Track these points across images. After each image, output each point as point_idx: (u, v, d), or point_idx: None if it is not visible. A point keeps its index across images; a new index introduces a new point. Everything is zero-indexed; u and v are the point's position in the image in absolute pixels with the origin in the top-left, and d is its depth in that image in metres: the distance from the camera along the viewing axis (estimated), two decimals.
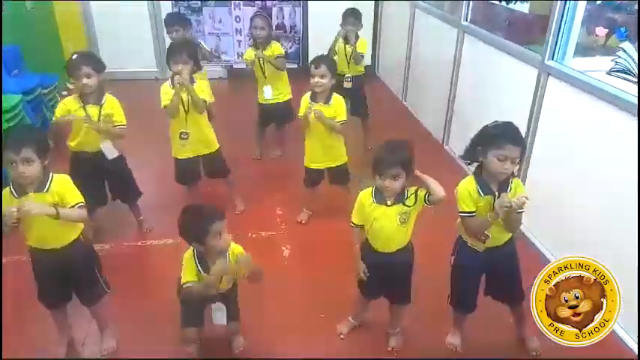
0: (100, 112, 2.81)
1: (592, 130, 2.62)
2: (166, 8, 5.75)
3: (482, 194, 2.03)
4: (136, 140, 3.50)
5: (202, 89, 3.11)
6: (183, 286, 2.04)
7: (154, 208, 3.44)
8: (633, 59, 2.47)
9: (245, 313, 2.39)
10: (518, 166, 2.04)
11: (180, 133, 3.13)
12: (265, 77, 3.88)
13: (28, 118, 3.82)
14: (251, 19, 3.94)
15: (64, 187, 2.08)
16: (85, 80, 2.71)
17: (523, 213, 2.02)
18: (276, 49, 3.87)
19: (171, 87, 3.02)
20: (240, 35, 5.94)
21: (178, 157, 3.25)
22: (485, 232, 2.08)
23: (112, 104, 2.86)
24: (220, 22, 5.97)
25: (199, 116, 3.13)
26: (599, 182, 2.55)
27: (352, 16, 4.04)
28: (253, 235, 3.21)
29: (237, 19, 5.94)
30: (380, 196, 2.12)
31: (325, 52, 3.78)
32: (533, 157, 3.11)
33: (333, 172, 3.29)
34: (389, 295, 2.36)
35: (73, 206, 2.08)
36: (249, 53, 3.88)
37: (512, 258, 2.20)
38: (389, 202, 2.11)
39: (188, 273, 2.05)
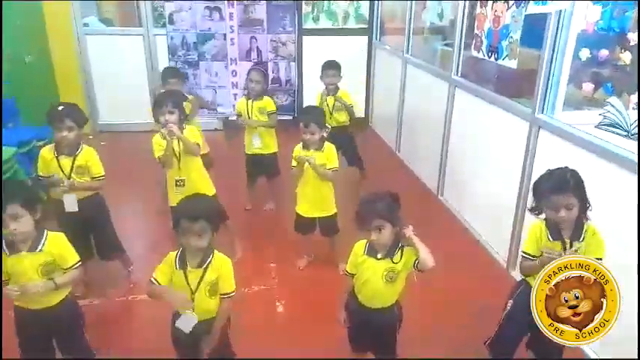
0: (72, 163, 2.76)
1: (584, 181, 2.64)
2: (164, 62, 5.89)
3: (550, 239, 2.00)
4: (129, 191, 3.51)
5: (193, 133, 3.12)
6: (150, 279, 2.03)
7: (147, 259, 3.38)
8: (621, 113, 2.52)
9: None
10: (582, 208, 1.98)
11: (176, 181, 3.12)
12: (255, 128, 3.93)
13: (23, 171, 3.82)
14: (248, 72, 4.03)
15: (60, 247, 2.04)
16: (65, 133, 2.68)
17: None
18: (268, 104, 3.92)
19: (162, 139, 3.00)
20: (237, 88, 6.06)
21: (174, 205, 3.18)
22: None
23: (87, 156, 2.80)
24: (217, 75, 6.10)
25: (193, 162, 3.14)
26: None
27: (332, 67, 4.17)
28: (246, 290, 3.14)
29: (234, 73, 6.09)
30: (372, 249, 2.11)
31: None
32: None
33: (322, 222, 3.29)
34: (374, 350, 2.30)
35: (70, 267, 2.04)
36: (240, 105, 3.96)
37: None
38: (379, 256, 2.09)
39: (159, 269, 2.03)
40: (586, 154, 2.61)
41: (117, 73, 5.87)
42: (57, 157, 2.76)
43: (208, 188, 3.25)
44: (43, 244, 2.00)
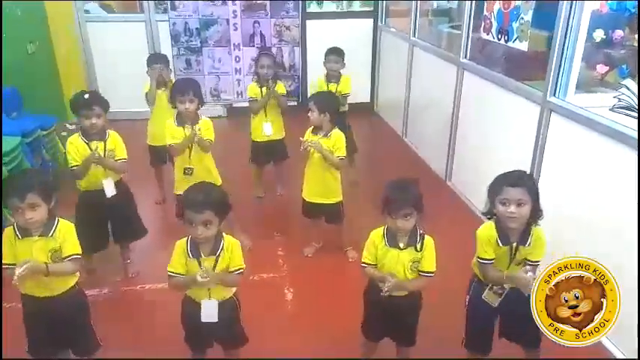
0: (104, 147, 2.82)
1: (597, 166, 2.60)
2: (167, 48, 5.82)
3: (500, 244, 2.02)
4: (131, 179, 3.47)
5: (207, 127, 3.13)
6: (168, 273, 2.02)
7: (152, 248, 3.38)
8: (636, 96, 2.47)
9: None
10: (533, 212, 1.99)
11: (185, 169, 3.12)
12: (266, 115, 3.89)
13: (27, 161, 3.79)
14: (257, 58, 3.99)
15: (66, 235, 2.04)
16: (94, 120, 2.74)
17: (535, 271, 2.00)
18: (280, 87, 3.90)
19: (176, 125, 3.04)
20: (240, 74, 5.98)
21: (179, 193, 3.17)
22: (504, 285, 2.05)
23: (114, 140, 2.89)
24: (220, 61, 6.02)
25: (203, 153, 3.15)
26: (605, 218, 2.50)
27: (333, 53, 4.07)
28: (255, 278, 3.13)
29: (237, 59, 6.01)
30: (392, 238, 2.08)
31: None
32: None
33: (326, 210, 3.26)
34: (394, 336, 2.29)
35: (66, 257, 2.02)
36: (254, 89, 3.89)
37: (528, 302, 2.13)
38: (401, 245, 2.06)
39: (175, 260, 2.03)
40: (600, 138, 2.55)
41: (119, 61, 5.80)
42: (88, 143, 2.80)
43: (216, 178, 3.23)
44: (54, 229, 2.02)
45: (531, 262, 2.02)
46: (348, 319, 2.35)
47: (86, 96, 2.79)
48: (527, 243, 2.02)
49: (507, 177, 2.01)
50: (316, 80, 4.16)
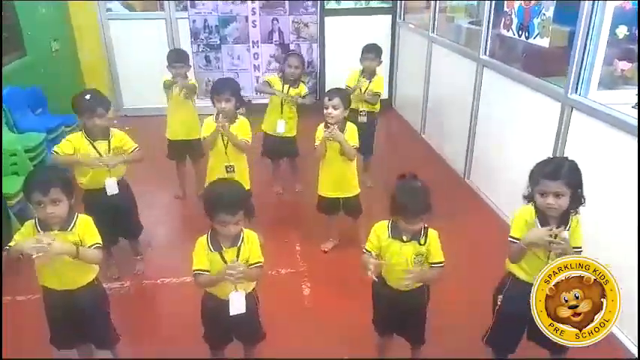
0: (109, 146, 2.83)
1: (618, 164, 2.56)
2: (186, 46, 5.87)
3: (539, 226, 1.97)
4: (152, 175, 3.54)
5: (243, 128, 3.14)
6: (193, 272, 2.04)
7: (172, 243, 3.43)
8: None
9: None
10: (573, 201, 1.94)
11: (227, 167, 3.15)
12: (282, 112, 3.92)
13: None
14: (286, 57, 4.04)
15: (85, 228, 2.08)
16: (97, 121, 2.74)
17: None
18: (302, 90, 3.97)
19: (214, 122, 3.08)
20: (259, 72, 6.03)
21: None
22: None
23: (119, 137, 2.89)
24: (239, 58, 6.07)
25: (239, 151, 3.18)
26: (628, 217, 2.47)
27: (370, 51, 4.06)
28: (272, 273, 3.16)
29: (256, 56, 6.05)
30: (396, 231, 2.09)
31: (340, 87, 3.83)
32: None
33: (346, 203, 3.30)
34: (402, 334, 2.30)
35: (90, 246, 2.06)
36: (276, 82, 3.93)
37: None
38: (405, 238, 2.08)
39: (197, 258, 2.04)
40: (623, 136, 2.51)
41: (140, 58, 5.89)
42: (92, 142, 2.80)
43: (247, 180, 3.28)
44: (74, 224, 2.05)
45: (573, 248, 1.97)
46: (364, 316, 2.36)
47: (87, 97, 2.76)
48: (567, 228, 1.96)
49: (545, 168, 1.95)
50: (352, 73, 4.13)
